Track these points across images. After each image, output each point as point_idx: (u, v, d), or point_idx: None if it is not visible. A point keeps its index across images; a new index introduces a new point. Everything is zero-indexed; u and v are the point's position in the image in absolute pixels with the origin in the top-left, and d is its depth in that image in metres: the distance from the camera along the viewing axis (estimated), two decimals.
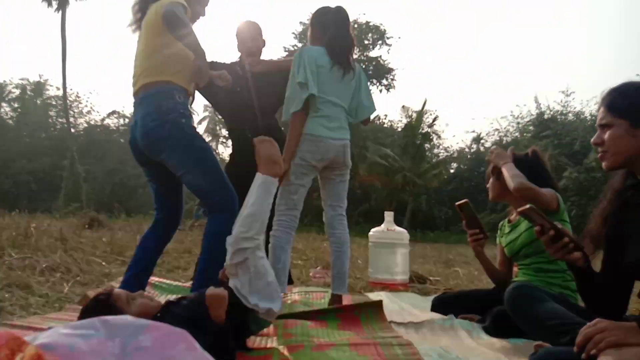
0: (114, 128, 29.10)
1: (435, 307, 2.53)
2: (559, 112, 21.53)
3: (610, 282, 1.46)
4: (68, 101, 25.67)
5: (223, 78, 2.31)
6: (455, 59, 58.39)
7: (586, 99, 25.64)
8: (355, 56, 2.62)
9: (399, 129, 24.09)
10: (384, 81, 24.54)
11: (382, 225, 4.19)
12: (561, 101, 22.16)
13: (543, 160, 2.36)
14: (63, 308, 2.29)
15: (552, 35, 56.81)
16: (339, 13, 2.57)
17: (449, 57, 57.72)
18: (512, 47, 65.77)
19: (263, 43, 3.14)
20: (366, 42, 24.12)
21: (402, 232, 4.18)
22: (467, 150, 25.88)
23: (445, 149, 25.57)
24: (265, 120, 3.04)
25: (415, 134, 21.06)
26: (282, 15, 57.35)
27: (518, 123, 22.95)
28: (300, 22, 24.42)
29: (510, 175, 2.16)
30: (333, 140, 2.48)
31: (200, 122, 33.54)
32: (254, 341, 1.79)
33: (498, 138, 23.91)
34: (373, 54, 24.62)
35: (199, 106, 35.47)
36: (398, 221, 4.50)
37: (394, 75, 24.52)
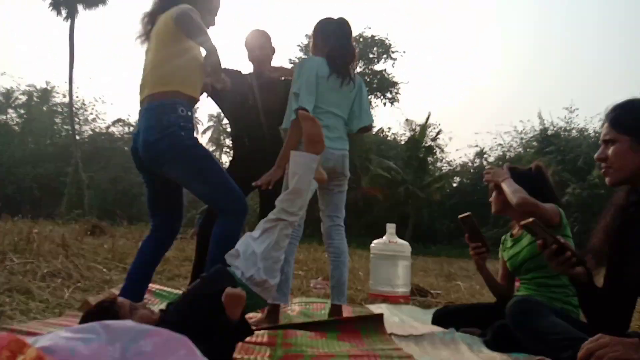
0: (119, 136, 29.16)
1: (436, 321, 2.52)
2: (563, 129, 21.48)
3: (613, 298, 1.45)
4: (74, 108, 25.80)
5: (222, 81, 2.32)
6: (459, 74, 58.71)
7: (590, 116, 25.59)
8: (360, 69, 2.66)
9: (403, 142, 24.11)
10: (388, 94, 24.58)
11: (384, 237, 4.18)
12: (565, 117, 22.09)
13: (546, 176, 2.35)
14: (63, 314, 2.29)
15: (556, 52, 57.11)
16: (341, 24, 2.59)
17: (454, 72, 58.00)
18: (517, 63, 66.09)
19: (272, 51, 3.14)
20: (371, 55, 24.21)
21: (404, 245, 4.18)
22: (470, 164, 25.80)
23: (448, 163, 25.53)
24: (272, 130, 3.05)
25: (419, 147, 21.07)
26: (288, 27, 57.85)
27: (521, 138, 22.89)
28: (306, 35, 24.60)
29: (511, 191, 2.16)
30: (333, 150, 2.48)
31: (204, 132, 33.75)
32: (253, 350, 1.79)
33: (501, 153, 23.83)
34: (378, 67, 24.75)
35: (204, 116, 35.64)
36: (400, 234, 4.49)
37: (398, 89, 24.61)
